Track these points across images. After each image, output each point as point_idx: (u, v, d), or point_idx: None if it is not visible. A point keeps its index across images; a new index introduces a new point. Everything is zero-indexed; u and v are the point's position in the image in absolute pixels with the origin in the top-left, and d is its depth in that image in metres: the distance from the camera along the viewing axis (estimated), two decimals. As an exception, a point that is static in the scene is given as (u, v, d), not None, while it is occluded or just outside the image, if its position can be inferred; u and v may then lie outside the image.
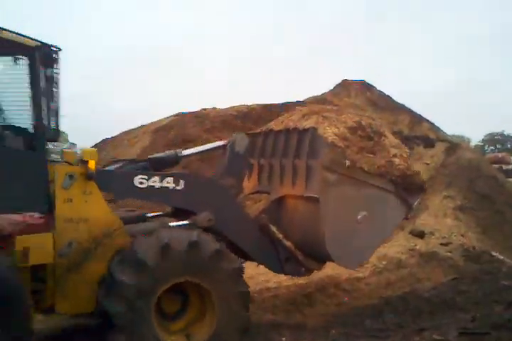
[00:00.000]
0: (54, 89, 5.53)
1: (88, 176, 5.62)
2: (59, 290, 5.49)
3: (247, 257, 6.89)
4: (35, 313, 5.37)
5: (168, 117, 17.01)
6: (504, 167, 26.88)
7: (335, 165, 6.34)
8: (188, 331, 5.87)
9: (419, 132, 16.74)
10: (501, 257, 10.50)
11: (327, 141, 6.29)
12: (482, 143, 48.45)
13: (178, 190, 6.27)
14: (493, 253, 10.47)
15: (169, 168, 6.98)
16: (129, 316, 5.23)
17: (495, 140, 48.27)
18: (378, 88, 19.46)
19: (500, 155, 33.82)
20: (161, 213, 7.27)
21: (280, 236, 6.75)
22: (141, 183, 6.11)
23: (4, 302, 4.58)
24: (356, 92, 18.87)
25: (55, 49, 5.49)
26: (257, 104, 16.79)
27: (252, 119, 15.66)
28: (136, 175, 6.11)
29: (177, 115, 16.87)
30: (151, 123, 17.13)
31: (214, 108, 17.22)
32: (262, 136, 7.46)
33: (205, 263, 5.67)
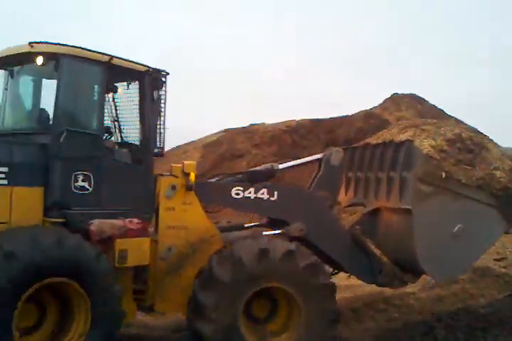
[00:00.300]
0: (160, 109, 6.12)
1: (188, 187, 6.09)
2: (158, 291, 6.00)
3: (338, 268, 7.10)
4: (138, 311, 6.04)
5: (217, 133, 17.45)
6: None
7: (430, 177, 6.36)
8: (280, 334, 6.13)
9: None
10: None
11: (422, 153, 6.37)
12: None
13: (272, 200, 6.54)
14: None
15: (265, 181, 7.14)
16: (220, 308, 5.58)
17: None
18: (431, 101, 19.54)
19: None
20: (257, 223, 7.54)
21: (374, 248, 6.78)
22: (237, 194, 6.45)
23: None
24: (407, 106, 18.71)
25: (163, 73, 6.10)
26: (306, 119, 17.12)
27: (300, 134, 16.10)
28: (233, 187, 6.48)
29: (226, 131, 17.38)
30: (200, 138, 17.63)
31: (263, 123, 17.72)
32: (359, 149, 7.55)
33: (298, 273, 5.90)
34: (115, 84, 6.32)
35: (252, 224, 7.54)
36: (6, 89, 6.01)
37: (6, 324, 4.44)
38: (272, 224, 7.10)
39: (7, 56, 5.77)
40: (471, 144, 6.68)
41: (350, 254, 6.83)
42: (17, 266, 4.51)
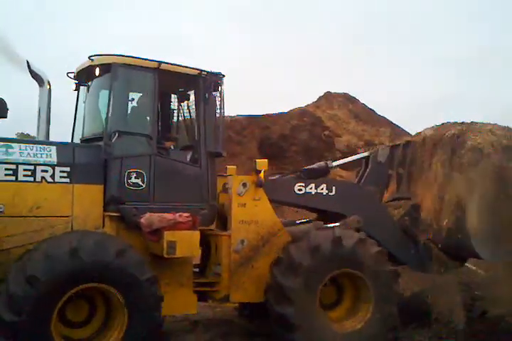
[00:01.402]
0: (216, 111, 6.40)
1: (258, 184, 6.48)
2: (233, 282, 6.35)
3: (390, 257, 6.99)
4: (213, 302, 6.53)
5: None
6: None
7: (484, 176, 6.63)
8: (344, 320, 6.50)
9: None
10: None
11: (473, 147, 6.69)
12: None
13: (331, 195, 7.01)
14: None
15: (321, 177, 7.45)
16: (301, 291, 6.04)
17: None
18: (362, 100, 19.10)
19: None
20: (308, 219, 7.74)
21: (422, 237, 7.12)
22: (299, 190, 6.95)
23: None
24: (339, 104, 18.53)
25: (220, 76, 6.41)
26: (241, 116, 16.42)
27: (235, 130, 15.68)
28: (296, 183, 6.95)
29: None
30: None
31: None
32: (400, 147, 7.83)
33: (368, 259, 6.34)
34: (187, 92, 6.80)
35: (303, 220, 7.67)
36: (84, 102, 6.81)
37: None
38: (322, 220, 7.30)
39: (80, 72, 6.54)
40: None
41: (401, 244, 7.21)
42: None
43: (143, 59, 6.01)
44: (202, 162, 6.34)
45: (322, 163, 7.58)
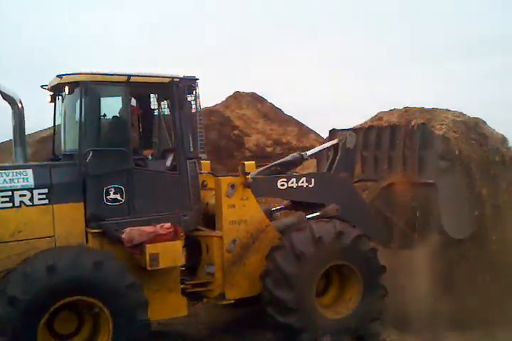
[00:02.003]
0: (191, 115, 6.40)
1: (246, 185, 6.66)
2: (227, 280, 6.57)
3: None
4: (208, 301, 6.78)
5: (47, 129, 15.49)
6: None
7: (447, 154, 7.40)
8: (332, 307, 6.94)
9: (306, 143, 16.47)
10: None
11: (439, 134, 7.44)
12: None
13: (311, 187, 7.24)
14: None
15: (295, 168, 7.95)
16: (301, 278, 6.46)
17: None
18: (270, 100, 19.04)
19: None
20: (282, 207, 8.20)
21: (393, 217, 7.74)
22: (282, 185, 7.12)
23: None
24: (248, 104, 18.58)
25: (193, 80, 6.35)
26: None
27: None
28: (278, 179, 7.13)
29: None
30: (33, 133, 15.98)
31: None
32: (362, 131, 8.29)
33: (362, 254, 6.84)
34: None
35: (278, 207, 8.19)
36: (60, 114, 6.79)
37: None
38: (295, 206, 7.80)
39: (53, 86, 6.50)
40: (472, 125, 7.86)
41: (374, 224, 7.60)
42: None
43: (111, 74, 5.93)
44: (181, 168, 6.36)
45: (296, 154, 7.79)
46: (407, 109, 8.29)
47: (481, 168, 7.62)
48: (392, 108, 8.60)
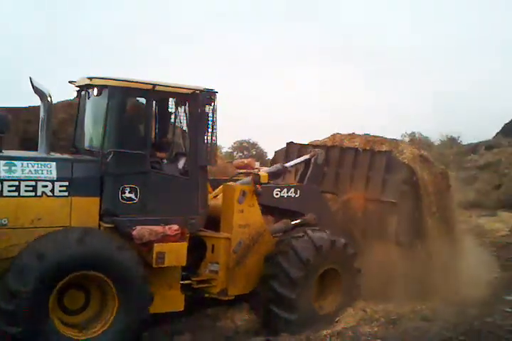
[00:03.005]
0: (207, 125, 6.75)
1: (257, 193, 7.38)
2: (230, 278, 7.12)
3: None
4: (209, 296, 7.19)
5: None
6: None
7: (409, 180, 8.72)
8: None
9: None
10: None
11: (404, 162, 8.79)
12: (232, 150, 52.49)
13: (296, 197, 8.01)
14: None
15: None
16: (303, 279, 7.21)
17: (243, 147, 52.70)
18: None
19: (246, 161, 29.83)
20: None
21: (352, 227, 8.72)
22: (276, 195, 7.85)
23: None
24: None
25: (212, 92, 6.71)
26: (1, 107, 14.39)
27: None
28: (274, 189, 7.83)
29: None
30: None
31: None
32: (324, 149, 9.14)
33: (348, 259, 7.73)
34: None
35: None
36: (84, 110, 7.18)
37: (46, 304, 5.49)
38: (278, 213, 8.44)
39: (80, 86, 6.91)
40: (424, 156, 9.48)
41: (338, 232, 8.07)
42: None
43: (138, 82, 6.33)
44: (193, 174, 6.76)
45: (279, 166, 8.39)
46: (367, 137, 9.67)
47: (431, 191, 9.15)
48: (351, 132, 10.02)
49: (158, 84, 6.40)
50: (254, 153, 53.91)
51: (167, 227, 6.32)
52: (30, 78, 6.34)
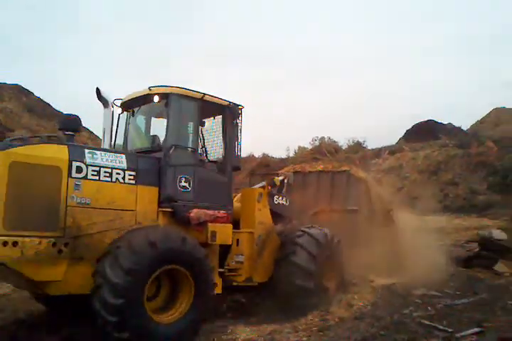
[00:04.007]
0: (237, 135, 8.09)
1: (271, 195, 8.86)
2: (253, 267, 8.28)
3: None
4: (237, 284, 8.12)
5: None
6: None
7: (366, 192, 11.27)
8: None
9: (78, 141, 15.47)
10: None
11: (361, 177, 11.50)
12: None
13: (286, 204, 9.55)
14: None
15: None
16: (308, 264, 8.46)
17: None
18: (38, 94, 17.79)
19: None
20: None
21: None
22: (275, 200, 9.24)
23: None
24: (11, 96, 17.79)
25: (239, 107, 8.08)
26: None
27: None
28: (275, 196, 9.28)
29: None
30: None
31: None
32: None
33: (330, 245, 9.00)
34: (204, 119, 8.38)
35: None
36: (128, 124, 8.26)
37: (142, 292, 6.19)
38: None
39: (130, 100, 7.99)
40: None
41: None
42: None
43: (192, 90, 7.62)
44: (228, 174, 7.99)
45: (263, 183, 9.65)
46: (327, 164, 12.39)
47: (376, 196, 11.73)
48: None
49: (206, 94, 7.72)
50: None
51: (216, 211, 7.41)
52: (98, 89, 7.39)
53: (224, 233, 7.52)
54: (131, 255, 6.09)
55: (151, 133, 8.10)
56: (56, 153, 6.37)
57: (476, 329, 6.29)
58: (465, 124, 28.37)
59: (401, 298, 8.76)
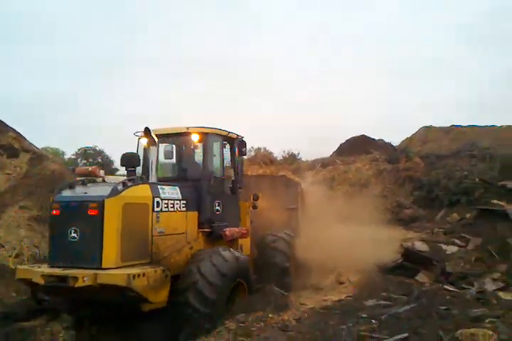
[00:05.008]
0: (242, 159, 9.85)
1: (254, 207, 10.38)
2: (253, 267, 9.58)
3: None
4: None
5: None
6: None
7: (301, 192, 13.46)
8: None
9: (3, 141, 15.30)
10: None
11: (296, 181, 14.10)
12: (75, 157, 50.99)
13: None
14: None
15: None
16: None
17: (88, 154, 51.19)
18: None
19: (90, 168, 34.75)
20: None
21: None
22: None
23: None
24: None
25: (243, 138, 9.81)
26: None
27: None
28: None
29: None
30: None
31: None
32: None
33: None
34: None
35: None
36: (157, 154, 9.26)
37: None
38: None
39: (167, 133, 9.06)
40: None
41: None
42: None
43: (221, 129, 9.13)
44: (237, 193, 9.76)
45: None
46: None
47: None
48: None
49: (229, 131, 9.32)
50: (99, 160, 50.43)
51: (240, 228, 9.25)
52: (147, 127, 8.38)
53: (246, 245, 9.38)
54: (224, 262, 7.71)
55: (183, 165, 9.43)
56: (144, 192, 7.52)
57: (401, 336, 6.21)
58: (395, 141, 28.37)
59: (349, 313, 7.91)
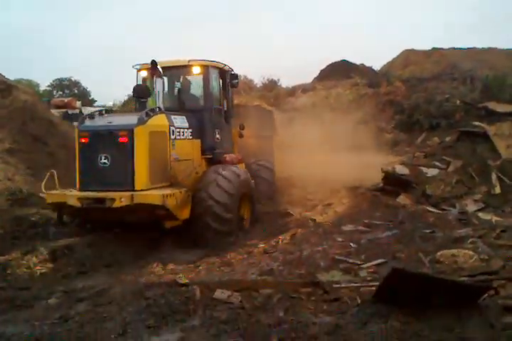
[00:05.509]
0: (233, 91, 10.51)
1: (241, 136, 11.04)
2: None
3: None
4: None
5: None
6: (70, 111, 26.75)
7: (274, 121, 14.24)
8: None
9: None
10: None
11: (269, 110, 15.79)
12: (51, 88, 48.45)
13: None
14: (42, 195, 9.28)
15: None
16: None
17: (63, 85, 49.15)
18: None
19: (66, 99, 31.87)
20: None
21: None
22: None
23: None
24: None
25: (234, 72, 10.36)
26: None
27: None
28: None
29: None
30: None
31: None
32: None
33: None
34: None
35: None
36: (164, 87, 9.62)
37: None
38: None
39: (168, 66, 9.35)
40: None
41: None
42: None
43: (218, 62, 9.66)
44: (230, 123, 10.50)
45: None
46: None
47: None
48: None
49: (224, 64, 9.87)
50: (76, 92, 47.19)
51: (237, 155, 10.12)
52: (154, 60, 8.72)
53: (243, 168, 10.26)
54: (228, 183, 8.62)
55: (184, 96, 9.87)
56: (162, 121, 8.14)
57: (379, 261, 6.23)
58: (377, 65, 26.98)
59: (323, 235, 8.11)
